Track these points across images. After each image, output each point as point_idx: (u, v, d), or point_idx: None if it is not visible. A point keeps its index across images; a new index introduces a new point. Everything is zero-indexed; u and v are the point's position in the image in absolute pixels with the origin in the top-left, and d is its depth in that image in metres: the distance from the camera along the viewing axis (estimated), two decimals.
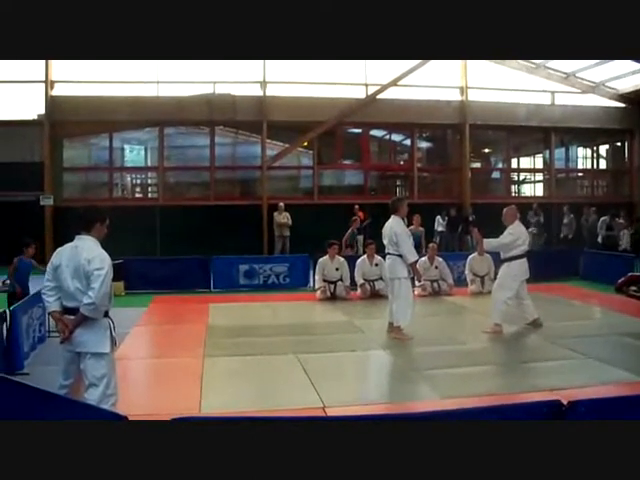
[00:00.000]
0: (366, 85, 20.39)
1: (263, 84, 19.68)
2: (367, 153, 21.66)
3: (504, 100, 21.15)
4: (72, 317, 4.72)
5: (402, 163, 22.63)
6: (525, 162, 24.90)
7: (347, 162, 21.90)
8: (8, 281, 9.38)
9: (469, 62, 20.51)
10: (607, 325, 9.71)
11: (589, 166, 24.50)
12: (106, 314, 4.82)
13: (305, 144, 20.89)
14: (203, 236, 17.84)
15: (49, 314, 5.15)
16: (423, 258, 12.10)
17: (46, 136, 18.54)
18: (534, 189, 24.37)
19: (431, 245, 13.25)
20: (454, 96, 21.05)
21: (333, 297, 12.10)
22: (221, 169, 20.47)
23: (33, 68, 18.03)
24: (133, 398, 5.78)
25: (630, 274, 11.24)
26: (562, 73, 21.45)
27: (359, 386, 6.95)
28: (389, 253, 8.74)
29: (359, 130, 21.51)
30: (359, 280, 12.18)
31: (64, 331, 4.72)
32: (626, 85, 21.61)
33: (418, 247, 11.47)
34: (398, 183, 23.38)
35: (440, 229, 18.93)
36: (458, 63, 20.56)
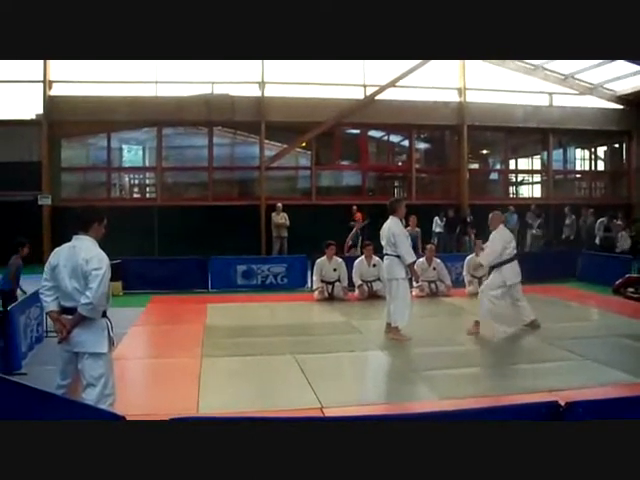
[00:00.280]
0: (364, 86, 20.39)
1: (261, 85, 19.68)
2: (365, 154, 21.65)
3: (502, 101, 21.16)
4: (70, 317, 4.71)
5: (400, 164, 22.62)
6: (523, 163, 24.92)
7: (345, 163, 21.89)
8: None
9: (467, 63, 20.54)
10: (605, 326, 9.72)
11: (587, 168, 24.54)
12: (104, 314, 4.81)
13: (303, 145, 20.89)
14: (201, 236, 17.84)
15: (47, 314, 5.14)
16: (421, 259, 12.10)
17: (44, 136, 18.51)
18: (532, 190, 24.41)
19: (429, 246, 13.25)
20: (452, 97, 21.06)
21: (331, 298, 12.10)
22: (219, 169, 20.46)
23: (31, 68, 17.99)
24: (131, 398, 5.77)
25: (628, 275, 11.28)
26: (560, 74, 21.47)
27: (357, 387, 6.95)
28: (387, 254, 8.75)
29: (357, 131, 21.51)
30: (357, 281, 12.19)
31: (62, 331, 4.71)
32: (624, 87, 21.63)
33: (414, 248, 11.46)
34: (396, 184, 23.37)
35: (438, 230, 18.93)
36: (456, 64, 20.57)
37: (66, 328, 4.68)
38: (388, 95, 20.40)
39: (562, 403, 3.25)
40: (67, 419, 2.91)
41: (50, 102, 18.63)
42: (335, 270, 12.28)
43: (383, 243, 8.81)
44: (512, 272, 9.00)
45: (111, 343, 4.88)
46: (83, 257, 4.67)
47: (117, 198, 20.18)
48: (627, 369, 6.99)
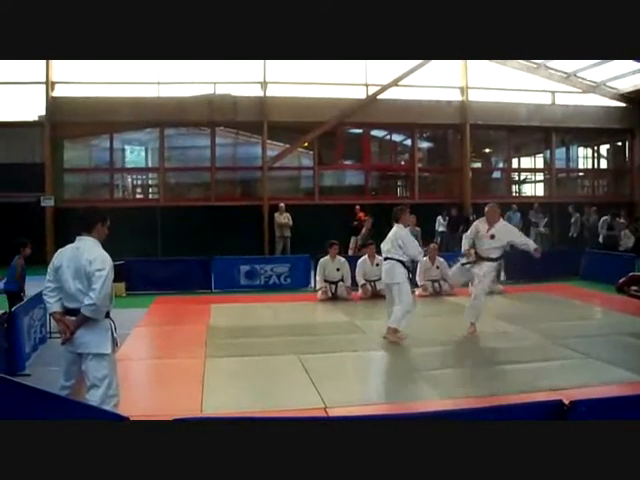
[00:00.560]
0: (366, 85, 20.39)
1: (264, 85, 19.68)
2: (368, 153, 21.64)
3: (505, 100, 21.15)
4: (73, 318, 4.71)
5: (403, 163, 22.63)
6: (526, 162, 24.90)
7: (348, 162, 21.89)
8: (1, 283, 9.34)
9: (470, 62, 20.50)
10: (608, 325, 9.70)
11: (590, 166, 24.49)
12: (107, 315, 4.81)
13: (306, 144, 20.88)
14: (204, 237, 17.86)
15: (50, 315, 5.14)
16: (424, 258, 12.08)
17: (47, 137, 18.55)
18: (535, 189, 24.38)
19: (432, 245, 13.23)
20: (455, 96, 21.05)
21: (334, 297, 12.09)
22: (222, 170, 20.47)
23: (34, 69, 18.04)
24: (135, 399, 5.77)
25: (631, 274, 11.23)
26: (563, 73, 21.45)
27: (360, 386, 6.94)
28: (387, 258, 8.68)
29: (360, 130, 21.49)
30: (360, 280, 12.17)
31: (65, 332, 4.71)
32: (627, 85, 21.60)
33: None
34: (399, 183, 23.38)
35: (441, 229, 18.93)
36: (459, 63, 20.55)
37: (70, 329, 4.69)
38: (390, 94, 20.40)
39: (566, 402, 3.24)
40: (71, 420, 2.91)
41: (52, 103, 18.67)
42: (338, 270, 12.28)
43: (386, 248, 8.71)
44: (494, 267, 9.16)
45: (115, 344, 4.88)
46: (86, 258, 4.68)
47: (120, 199, 20.22)
48: (631, 367, 6.97)
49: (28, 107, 18.94)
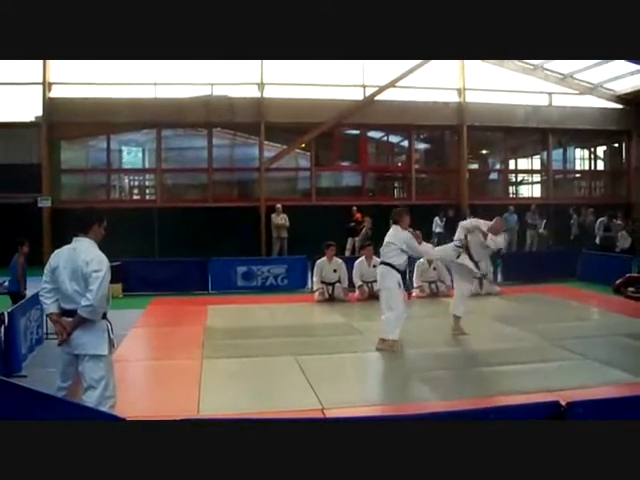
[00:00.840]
0: (364, 86, 20.40)
1: (261, 86, 19.68)
2: (365, 154, 21.64)
3: (502, 101, 21.16)
4: (70, 319, 4.70)
5: (400, 164, 22.64)
6: (523, 163, 24.91)
7: (345, 163, 21.89)
8: (7, 282, 9.41)
9: (467, 63, 20.54)
10: (605, 326, 9.71)
11: (587, 167, 24.55)
12: (104, 316, 4.81)
13: (303, 145, 20.87)
14: (201, 238, 17.83)
15: (47, 316, 5.13)
16: (421, 259, 12.09)
17: (44, 138, 18.52)
18: (532, 190, 24.41)
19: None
20: (452, 97, 21.06)
21: (331, 299, 12.09)
22: (219, 171, 20.48)
23: (31, 70, 18.02)
24: (131, 400, 5.76)
25: (628, 275, 11.26)
26: (560, 74, 21.48)
27: (358, 388, 6.94)
28: (383, 262, 8.56)
29: (357, 131, 21.50)
30: (357, 281, 12.17)
31: (62, 333, 4.70)
32: (624, 86, 21.64)
33: None
34: (396, 184, 23.37)
35: (438, 230, 18.92)
36: (456, 64, 20.58)
37: (66, 330, 4.68)
38: (387, 95, 20.41)
39: (563, 403, 3.24)
40: (67, 421, 2.90)
41: (50, 104, 18.64)
42: (335, 271, 12.28)
43: (385, 250, 8.60)
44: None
45: (111, 345, 4.87)
46: (83, 259, 4.67)
47: (117, 200, 20.20)
48: (628, 368, 6.98)
49: (25, 108, 18.93)
